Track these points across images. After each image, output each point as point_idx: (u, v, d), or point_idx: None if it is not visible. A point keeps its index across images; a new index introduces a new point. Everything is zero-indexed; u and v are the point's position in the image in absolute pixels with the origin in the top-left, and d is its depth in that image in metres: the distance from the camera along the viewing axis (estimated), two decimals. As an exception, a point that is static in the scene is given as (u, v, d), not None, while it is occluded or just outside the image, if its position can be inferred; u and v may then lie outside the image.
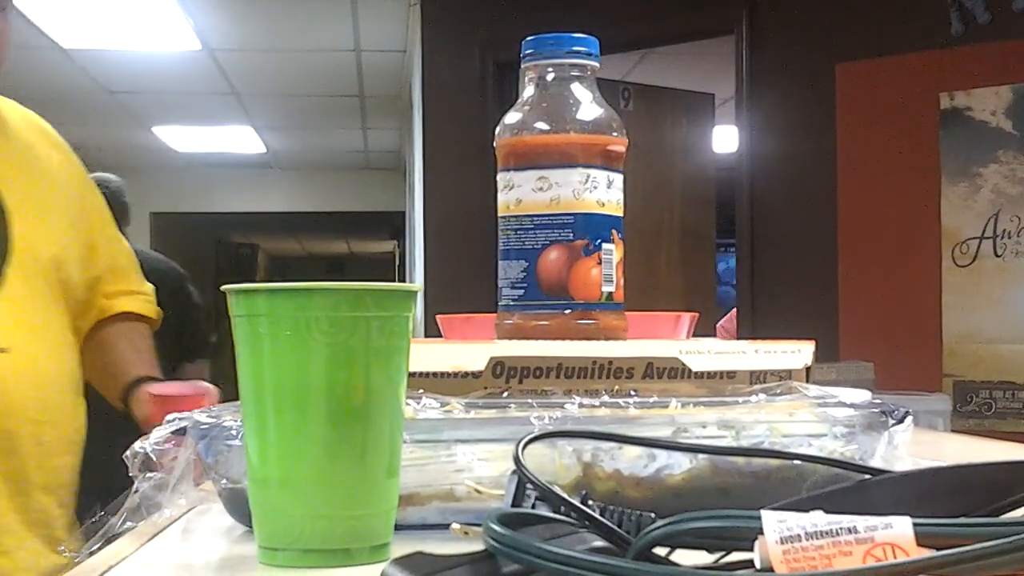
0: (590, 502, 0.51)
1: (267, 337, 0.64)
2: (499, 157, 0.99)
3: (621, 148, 0.98)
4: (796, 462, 0.73)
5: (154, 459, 0.75)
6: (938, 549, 0.39)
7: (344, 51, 6.28)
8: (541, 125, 0.97)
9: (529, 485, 0.53)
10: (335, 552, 0.65)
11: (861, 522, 0.40)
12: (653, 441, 0.72)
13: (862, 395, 0.81)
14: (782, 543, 0.40)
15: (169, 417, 0.76)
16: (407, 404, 0.72)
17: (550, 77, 0.98)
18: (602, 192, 0.96)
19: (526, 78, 1.00)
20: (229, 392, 0.73)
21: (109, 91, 7.18)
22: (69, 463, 1.52)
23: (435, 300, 4.71)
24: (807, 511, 0.42)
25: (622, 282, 0.99)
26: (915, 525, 0.40)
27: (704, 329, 1.13)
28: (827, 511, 0.42)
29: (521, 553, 0.42)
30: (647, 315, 1.08)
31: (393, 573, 0.46)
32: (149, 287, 1.78)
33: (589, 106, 0.98)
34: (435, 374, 0.85)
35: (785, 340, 0.90)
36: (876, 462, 0.76)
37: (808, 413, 0.77)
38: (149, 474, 0.76)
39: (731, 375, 0.88)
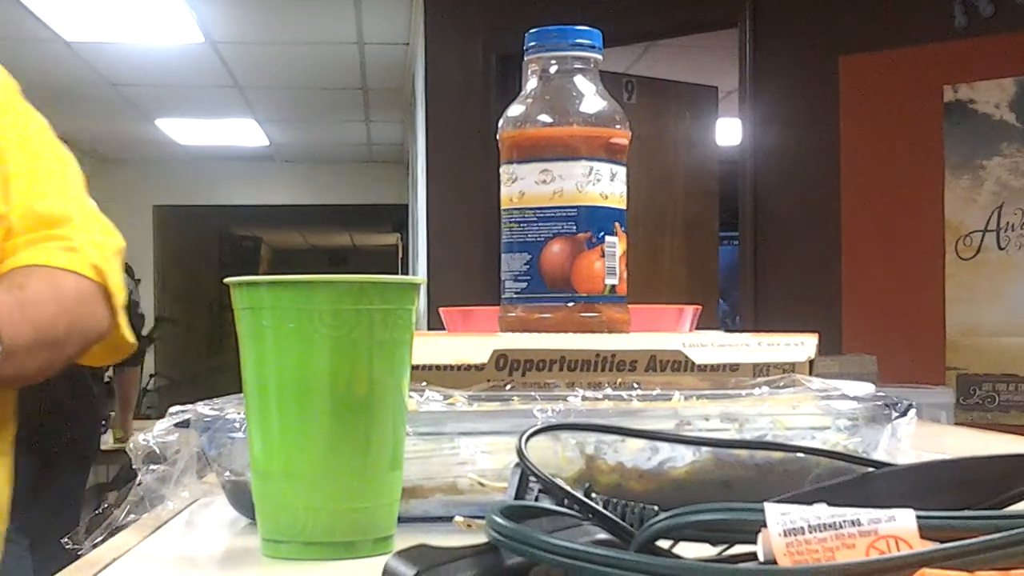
0: (593, 495, 0.51)
1: (270, 330, 0.64)
2: (502, 150, 0.99)
3: (624, 141, 0.98)
4: (800, 455, 0.73)
5: (158, 451, 0.75)
6: (941, 542, 0.39)
7: (347, 44, 6.28)
8: (544, 118, 0.97)
9: (532, 478, 0.53)
10: (338, 544, 0.65)
11: (864, 515, 0.40)
12: (656, 434, 0.72)
13: (865, 388, 0.81)
14: (785, 536, 0.40)
15: (172, 410, 0.76)
16: (410, 397, 0.72)
17: (553, 70, 0.98)
18: (605, 185, 0.96)
19: (529, 71, 1.00)
20: (233, 384, 0.73)
21: (112, 84, 7.18)
22: None
23: (438, 293, 4.71)
24: (810, 504, 0.42)
25: (625, 275, 0.99)
26: (918, 518, 0.40)
27: (707, 322, 1.13)
28: (830, 504, 0.42)
29: (524, 545, 0.42)
30: (650, 308, 1.08)
31: (396, 565, 0.46)
32: (90, 238, 1.25)
33: (592, 99, 0.97)
34: (438, 367, 0.85)
35: (788, 333, 0.90)
36: (879, 455, 0.76)
37: (811, 406, 0.77)
38: (152, 466, 0.76)
39: (734, 368, 0.88)
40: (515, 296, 0.97)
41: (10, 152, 1.24)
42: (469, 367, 0.85)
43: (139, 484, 0.76)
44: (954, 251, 3.89)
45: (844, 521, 0.40)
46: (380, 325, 0.65)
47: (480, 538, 0.46)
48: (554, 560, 0.41)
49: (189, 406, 0.76)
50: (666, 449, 0.73)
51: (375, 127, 8.79)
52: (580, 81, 0.98)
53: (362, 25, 5.92)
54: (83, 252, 1.23)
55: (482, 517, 0.46)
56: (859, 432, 0.76)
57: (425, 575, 0.45)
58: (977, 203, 3.86)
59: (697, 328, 1.10)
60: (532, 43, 0.99)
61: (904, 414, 0.77)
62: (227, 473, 0.74)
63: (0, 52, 6.53)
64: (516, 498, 0.53)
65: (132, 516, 0.75)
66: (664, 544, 0.45)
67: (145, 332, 9.64)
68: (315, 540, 0.65)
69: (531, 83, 0.99)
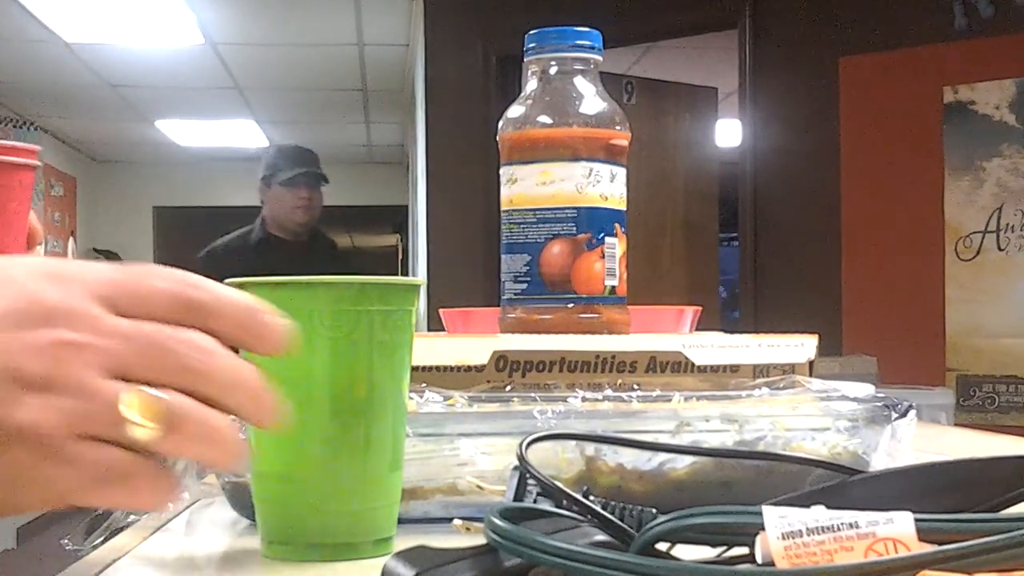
0: (591, 497, 0.51)
1: None
2: (502, 151, 0.99)
3: (624, 142, 0.98)
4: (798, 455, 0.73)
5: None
6: (940, 544, 0.39)
7: (347, 45, 6.28)
8: (544, 119, 0.97)
9: (531, 480, 0.53)
10: (338, 546, 0.65)
11: (863, 517, 0.40)
12: (653, 444, 0.72)
13: (865, 389, 0.81)
14: (783, 539, 0.40)
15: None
16: (410, 398, 0.72)
17: (553, 71, 0.98)
18: (605, 186, 0.96)
19: (529, 72, 1.00)
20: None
21: (112, 85, 7.18)
22: None
23: (438, 294, 4.71)
24: (808, 506, 0.42)
25: (625, 276, 0.99)
26: (917, 520, 0.40)
27: (707, 323, 1.13)
28: (829, 506, 0.42)
29: (523, 547, 0.42)
30: (650, 309, 1.08)
31: (395, 566, 0.46)
32: None
33: (592, 100, 0.97)
34: (438, 368, 0.85)
35: (788, 334, 0.90)
36: (879, 456, 0.76)
37: (811, 407, 0.77)
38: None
39: (734, 369, 0.88)
40: (515, 297, 0.97)
41: None
42: (469, 368, 0.85)
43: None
44: (954, 252, 3.89)
45: (842, 524, 0.40)
46: (380, 326, 0.65)
47: (479, 540, 0.46)
48: (553, 562, 0.41)
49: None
50: (665, 450, 0.73)
51: (375, 128, 8.80)
52: (580, 82, 0.98)
53: (362, 26, 5.92)
54: None
55: (481, 519, 0.46)
56: (859, 433, 0.76)
57: (424, 576, 0.45)
58: (977, 204, 3.86)
59: (697, 329, 1.10)
60: (532, 44, 0.99)
61: (904, 415, 0.77)
62: (227, 474, 0.74)
63: (0, 53, 6.52)
64: (515, 500, 0.53)
65: (132, 517, 0.75)
66: (662, 546, 0.45)
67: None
68: (315, 541, 0.65)
69: (531, 84, 0.99)
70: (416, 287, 0.68)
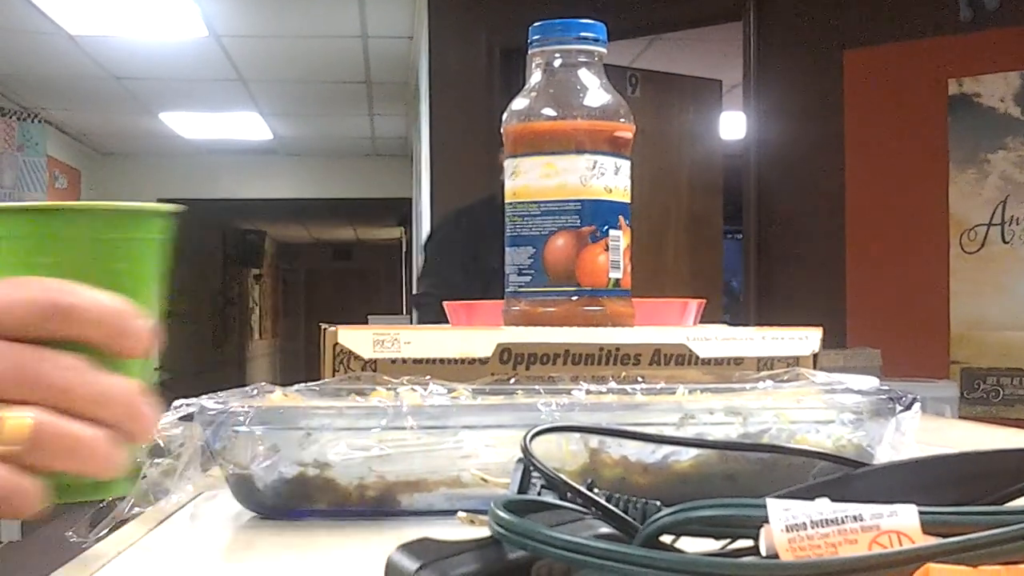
0: (596, 489, 0.51)
1: None
2: (506, 143, 0.99)
3: (628, 134, 0.98)
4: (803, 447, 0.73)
5: (162, 444, 0.75)
6: (944, 537, 0.39)
7: (351, 37, 6.28)
8: (548, 111, 0.97)
9: (535, 472, 0.53)
10: (61, 487, 0.55)
11: (867, 510, 0.40)
12: (658, 437, 0.72)
13: (869, 382, 0.81)
14: (788, 531, 0.40)
15: (176, 403, 0.76)
16: (414, 390, 0.72)
17: (557, 63, 0.98)
18: (609, 178, 0.96)
19: (533, 64, 1.00)
20: (238, 377, 0.72)
21: (116, 77, 7.18)
22: None
23: (442, 286, 4.71)
24: (813, 499, 0.42)
25: (629, 268, 0.99)
26: (921, 513, 0.40)
27: (711, 315, 1.13)
28: (833, 499, 0.42)
29: (527, 539, 0.42)
30: (654, 302, 1.08)
31: (399, 558, 0.46)
32: None
33: (596, 92, 0.97)
34: (442, 360, 0.85)
35: (792, 327, 0.90)
36: (883, 449, 0.76)
37: (815, 400, 0.77)
38: (157, 460, 0.76)
39: (738, 361, 0.88)
40: (519, 290, 0.97)
41: None
42: (473, 361, 0.85)
43: (143, 477, 0.76)
44: (958, 245, 3.89)
45: (846, 516, 0.40)
46: (114, 255, 0.58)
47: (483, 532, 0.46)
48: (557, 554, 0.41)
49: (194, 399, 0.76)
50: (670, 443, 0.73)
51: (379, 121, 8.79)
52: (584, 74, 0.98)
53: (366, 18, 5.91)
54: None
55: (485, 511, 0.46)
56: (863, 426, 0.76)
57: (428, 568, 0.45)
58: (982, 197, 3.86)
59: (701, 322, 1.10)
60: (536, 36, 0.99)
61: (908, 408, 0.77)
62: (231, 466, 0.75)
63: (4, 46, 6.53)
64: (519, 492, 0.53)
65: (136, 509, 0.75)
66: (667, 539, 0.45)
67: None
68: (69, 481, 0.54)
69: (535, 77, 0.99)
70: (166, 213, 0.62)
